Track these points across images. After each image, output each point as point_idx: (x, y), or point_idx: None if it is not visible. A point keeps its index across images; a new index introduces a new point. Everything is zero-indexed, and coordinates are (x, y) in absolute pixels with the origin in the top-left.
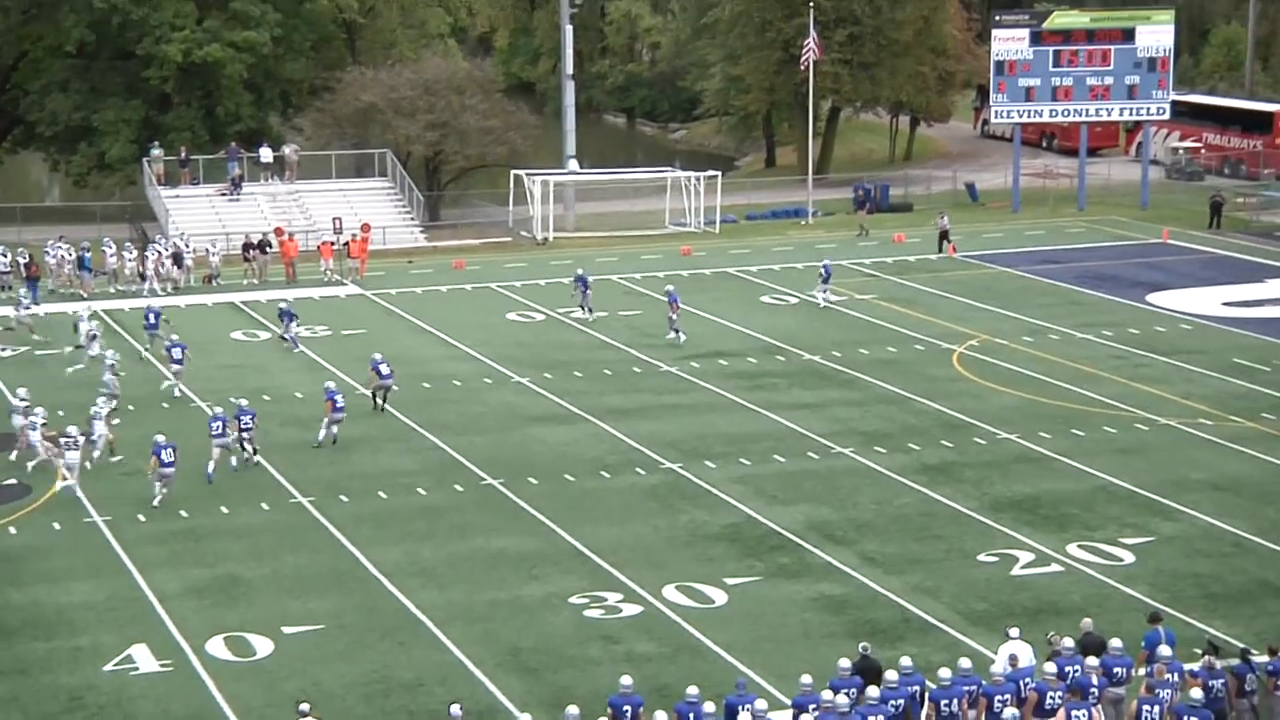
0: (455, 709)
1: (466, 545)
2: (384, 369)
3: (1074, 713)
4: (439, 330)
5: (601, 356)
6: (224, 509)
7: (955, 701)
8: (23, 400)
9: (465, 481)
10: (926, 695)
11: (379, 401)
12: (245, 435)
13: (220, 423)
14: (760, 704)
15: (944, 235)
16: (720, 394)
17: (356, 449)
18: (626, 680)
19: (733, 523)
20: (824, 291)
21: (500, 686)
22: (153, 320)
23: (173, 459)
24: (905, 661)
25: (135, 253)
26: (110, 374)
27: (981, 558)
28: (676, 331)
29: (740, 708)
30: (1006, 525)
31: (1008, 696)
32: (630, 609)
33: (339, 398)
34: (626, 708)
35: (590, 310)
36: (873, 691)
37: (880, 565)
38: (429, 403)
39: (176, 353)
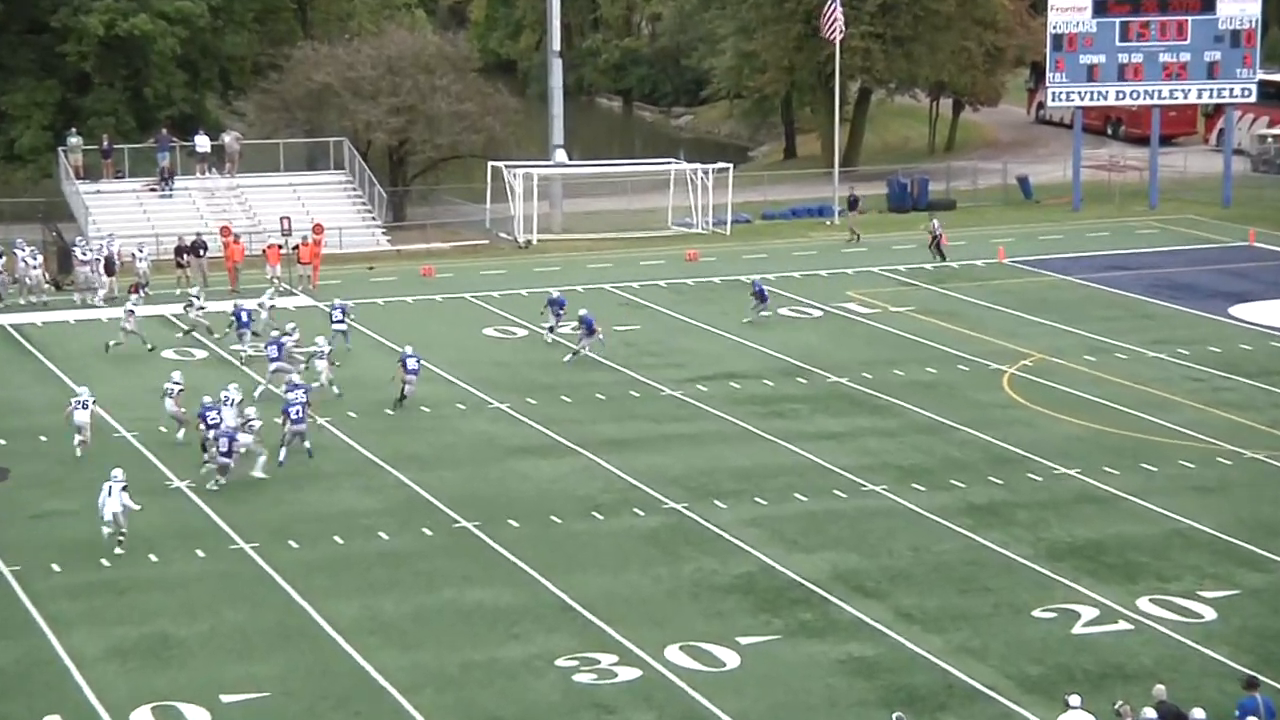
0: None
1: (436, 598)
2: (410, 363)
3: None
4: (399, 344)
5: (593, 379)
6: (152, 556)
7: None
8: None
9: (435, 524)
10: None
11: (401, 397)
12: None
13: (299, 406)
14: None
15: (935, 241)
16: (732, 422)
17: (308, 486)
18: None
19: (746, 572)
20: (759, 313)
21: None
22: (245, 319)
23: (215, 417)
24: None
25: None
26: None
27: (1037, 614)
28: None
29: None
30: (1066, 575)
31: None
32: (627, 673)
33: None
34: None
35: (553, 332)
36: None
37: (918, 622)
38: (393, 431)
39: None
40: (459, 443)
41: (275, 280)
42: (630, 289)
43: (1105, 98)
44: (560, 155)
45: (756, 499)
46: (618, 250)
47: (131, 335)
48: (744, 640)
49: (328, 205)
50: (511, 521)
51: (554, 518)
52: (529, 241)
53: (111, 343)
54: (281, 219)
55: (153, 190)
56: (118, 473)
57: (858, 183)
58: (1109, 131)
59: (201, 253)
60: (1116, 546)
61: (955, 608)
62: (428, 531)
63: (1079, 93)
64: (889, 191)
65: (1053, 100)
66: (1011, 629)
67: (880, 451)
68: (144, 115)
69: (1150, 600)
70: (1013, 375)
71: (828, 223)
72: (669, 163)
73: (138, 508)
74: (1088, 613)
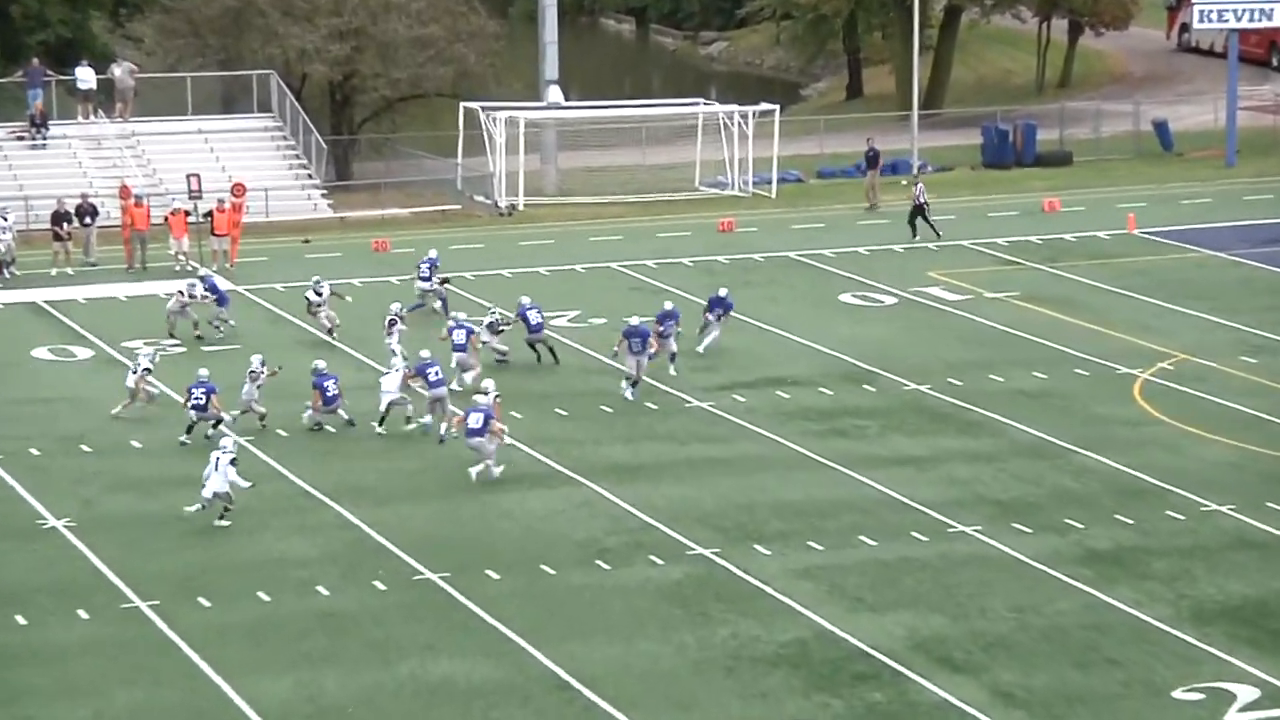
0: None
1: (390, 674)
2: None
3: None
4: (350, 345)
5: (597, 386)
6: (20, 618)
7: None
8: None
9: (391, 576)
10: None
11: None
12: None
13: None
14: None
15: (918, 212)
16: (778, 443)
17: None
18: None
19: (797, 639)
20: (711, 336)
21: None
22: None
23: (336, 392)
24: None
25: None
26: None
27: (1179, 695)
28: (673, 359)
29: None
30: (1218, 645)
31: None
32: None
33: (329, 384)
34: None
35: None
36: None
37: (1022, 705)
38: (335, 455)
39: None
40: (422, 470)
41: (180, 257)
42: (645, 269)
43: (1270, 17)
44: (555, 94)
45: (811, 543)
46: (629, 219)
47: None
48: None
49: (250, 159)
50: (490, 573)
51: (546, 567)
52: (513, 207)
53: None
54: (189, 177)
55: (20, 139)
56: (227, 442)
57: (937, 129)
58: (1274, 62)
59: (89, 220)
60: None
61: (1071, 687)
62: (381, 586)
63: (1234, 11)
64: (984, 142)
65: (1200, 21)
66: (1146, 715)
67: (972, 481)
68: (9, 41)
69: None
70: (1146, 382)
71: (903, 181)
72: (696, 104)
73: (247, 485)
74: (1246, 694)
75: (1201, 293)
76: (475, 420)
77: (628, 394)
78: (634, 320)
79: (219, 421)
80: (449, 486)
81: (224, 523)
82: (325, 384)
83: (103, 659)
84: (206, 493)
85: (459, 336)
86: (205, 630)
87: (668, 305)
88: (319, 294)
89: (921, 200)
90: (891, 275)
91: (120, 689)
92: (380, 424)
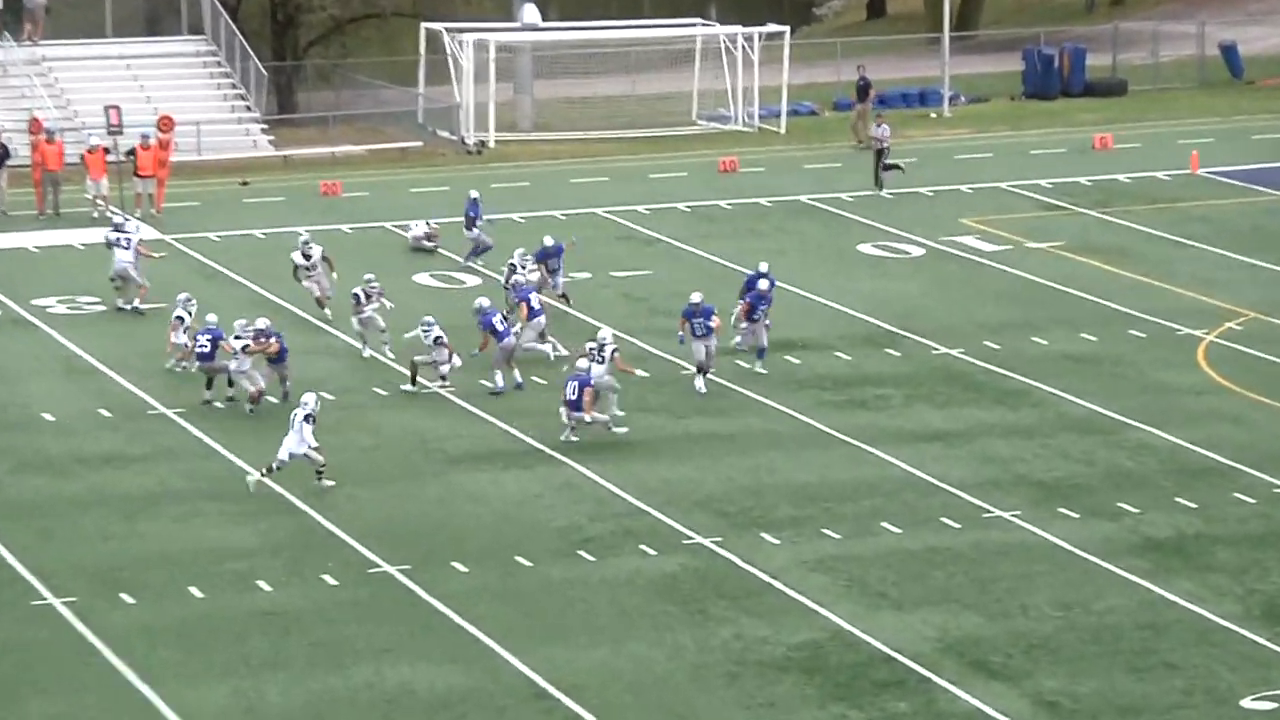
0: None
1: (343, 680)
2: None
3: None
4: (295, 304)
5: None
6: None
7: None
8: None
9: (343, 569)
10: None
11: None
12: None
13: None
14: None
15: (881, 156)
16: (789, 415)
17: (149, 510)
18: None
19: (810, 640)
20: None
21: None
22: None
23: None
24: None
25: None
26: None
27: (1248, 703)
28: (761, 354)
29: None
30: None
31: None
32: None
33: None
34: None
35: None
36: None
37: (1069, 715)
38: (279, 430)
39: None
40: (378, 446)
41: (99, 201)
42: (635, 216)
43: None
44: (530, 13)
45: (826, 530)
46: (616, 158)
47: None
48: None
49: (179, 89)
50: (457, 565)
51: (521, 559)
52: (482, 144)
53: None
54: (108, 109)
55: None
56: (309, 398)
57: (972, 54)
58: None
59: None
60: None
61: (1125, 694)
62: (331, 581)
63: None
64: (1026, 69)
65: None
66: None
67: (1012, 460)
68: None
69: None
70: (1212, 344)
71: (933, 115)
72: (694, 25)
73: (315, 445)
74: None
75: (1273, 242)
76: (572, 390)
77: (699, 387)
78: (696, 297)
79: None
80: (409, 466)
81: (327, 482)
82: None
83: (12, 664)
84: (282, 454)
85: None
86: (129, 631)
87: (763, 284)
88: (308, 256)
89: (884, 144)
90: (919, 223)
91: (34, 698)
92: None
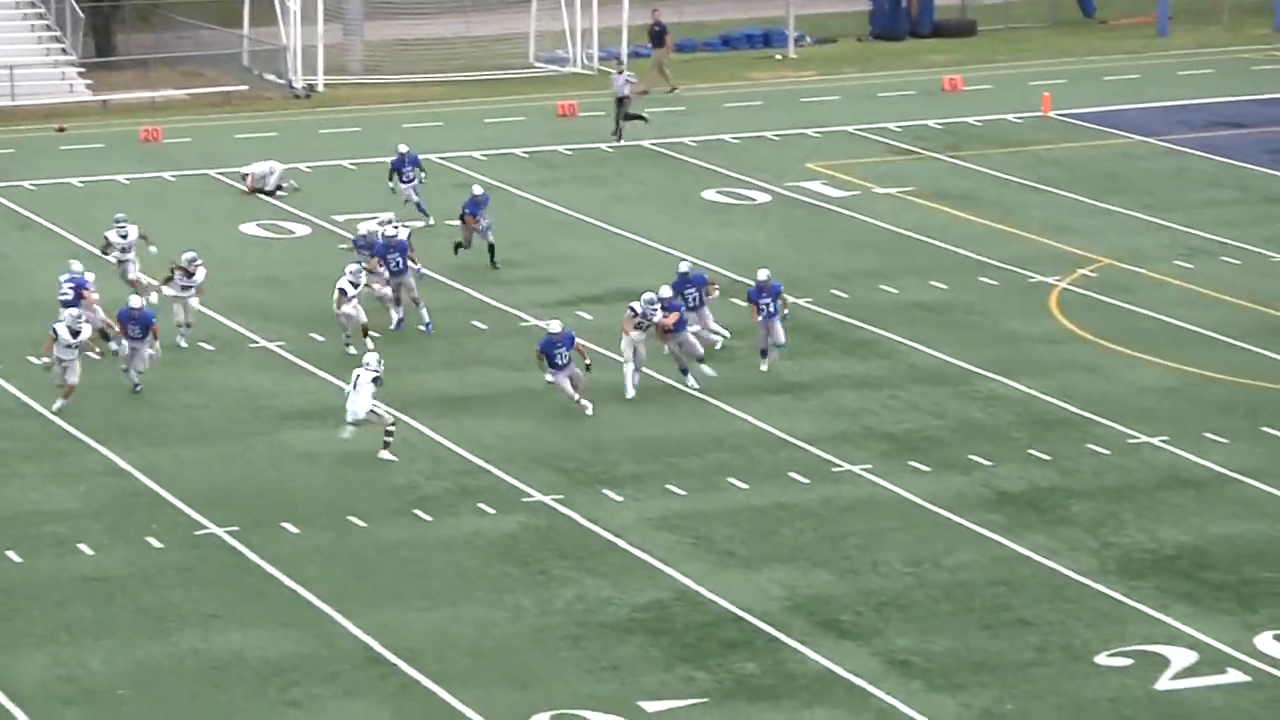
0: None
1: (169, 648)
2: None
3: None
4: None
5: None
6: None
7: None
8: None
9: (168, 531)
10: None
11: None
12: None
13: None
14: None
15: (621, 106)
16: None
17: None
18: None
19: (656, 600)
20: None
21: None
22: None
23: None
24: None
25: None
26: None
27: (1103, 660)
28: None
29: None
30: (1148, 602)
31: None
32: None
33: None
34: None
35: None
36: None
37: (921, 674)
38: (101, 387)
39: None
40: (204, 404)
41: None
42: (471, 162)
43: None
44: None
45: (670, 487)
46: (451, 101)
47: None
48: (652, 707)
49: None
50: (288, 526)
51: (354, 519)
52: (311, 88)
53: None
54: None
55: None
56: (371, 358)
57: None
58: None
59: None
60: (1226, 556)
61: (978, 652)
62: (156, 544)
63: None
64: (873, 8)
65: None
66: (1064, 684)
67: (861, 412)
68: None
69: (1276, 638)
70: (1065, 292)
71: (778, 56)
72: None
73: (380, 409)
74: (1181, 658)
75: (1128, 186)
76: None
77: (763, 368)
78: (683, 267)
79: (106, 337)
80: (236, 425)
81: (388, 455)
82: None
83: None
84: (353, 412)
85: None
86: None
87: (762, 273)
88: (124, 235)
89: (625, 92)
90: (764, 168)
91: None
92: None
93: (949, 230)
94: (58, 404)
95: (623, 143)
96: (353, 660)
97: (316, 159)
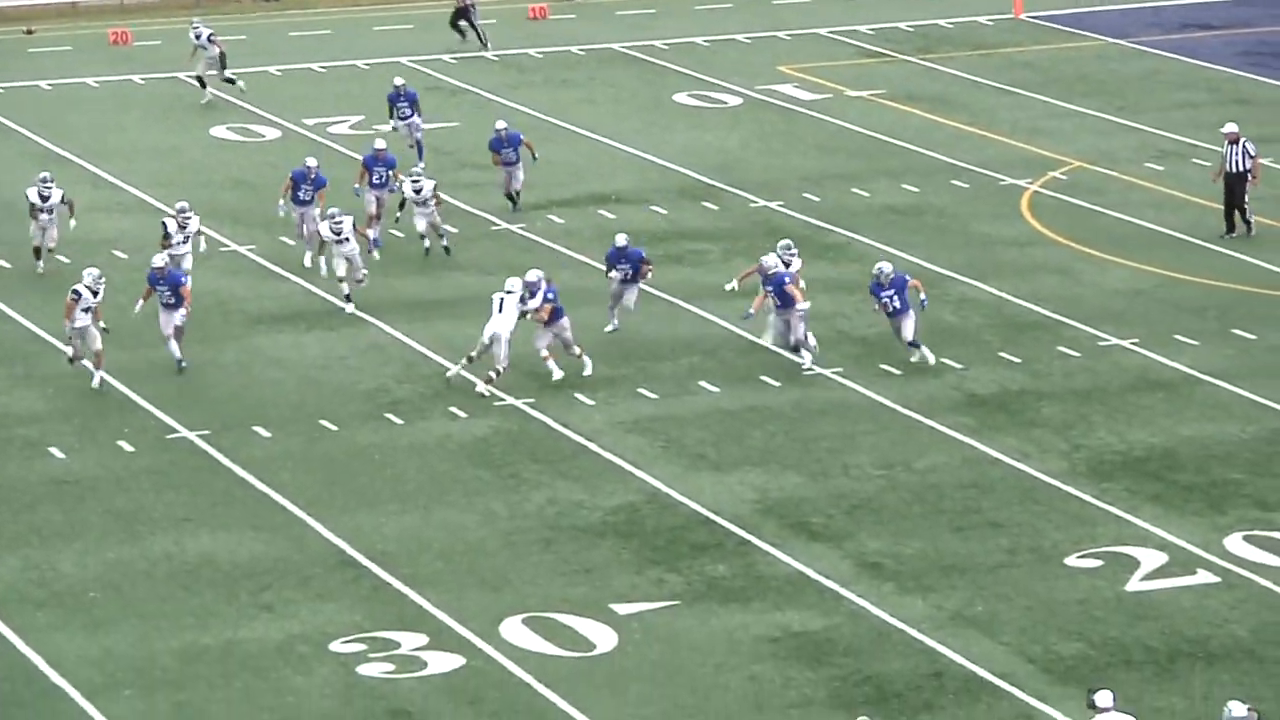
0: None
1: (140, 551)
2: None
3: None
4: (83, 158)
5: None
6: None
7: None
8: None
9: (139, 434)
10: None
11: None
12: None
13: None
14: None
15: (461, 15)
16: (602, 271)
17: None
18: None
19: (627, 504)
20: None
21: None
22: None
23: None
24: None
25: None
26: None
27: (1073, 561)
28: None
29: None
30: (1117, 503)
31: None
32: (442, 661)
33: None
34: None
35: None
36: None
37: (892, 576)
38: (60, 290)
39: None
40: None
41: None
42: (441, 66)
43: None
44: None
45: (642, 390)
46: (421, 4)
47: None
48: (623, 609)
49: None
50: (259, 430)
51: (326, 423)
52: None
53: None
54: None
55: None
56: (514, 282)
57: None
58: None
59: None
60: (1195, 458)
61: (949, 554)
62: (127, 447)
63: None
64: None
65: None
66: (1033, 586)
67: (832, 316)
68: None
69: (1245, 539)
70: (1036, 194)
71: None
72: None
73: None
74: (1151, 559)
75: (1099, 89)
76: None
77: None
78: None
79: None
80: (207, 329)
81: (485, 390)
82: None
83: None
84: (494, 334)
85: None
86: None
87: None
88: (45, 197)
89: (469, 3)
90: (735, 71)
91: None
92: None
93: (920, 133)
94: (97, 379)
95: (489, 53)
96: (325, 563)
97: (286, 62)
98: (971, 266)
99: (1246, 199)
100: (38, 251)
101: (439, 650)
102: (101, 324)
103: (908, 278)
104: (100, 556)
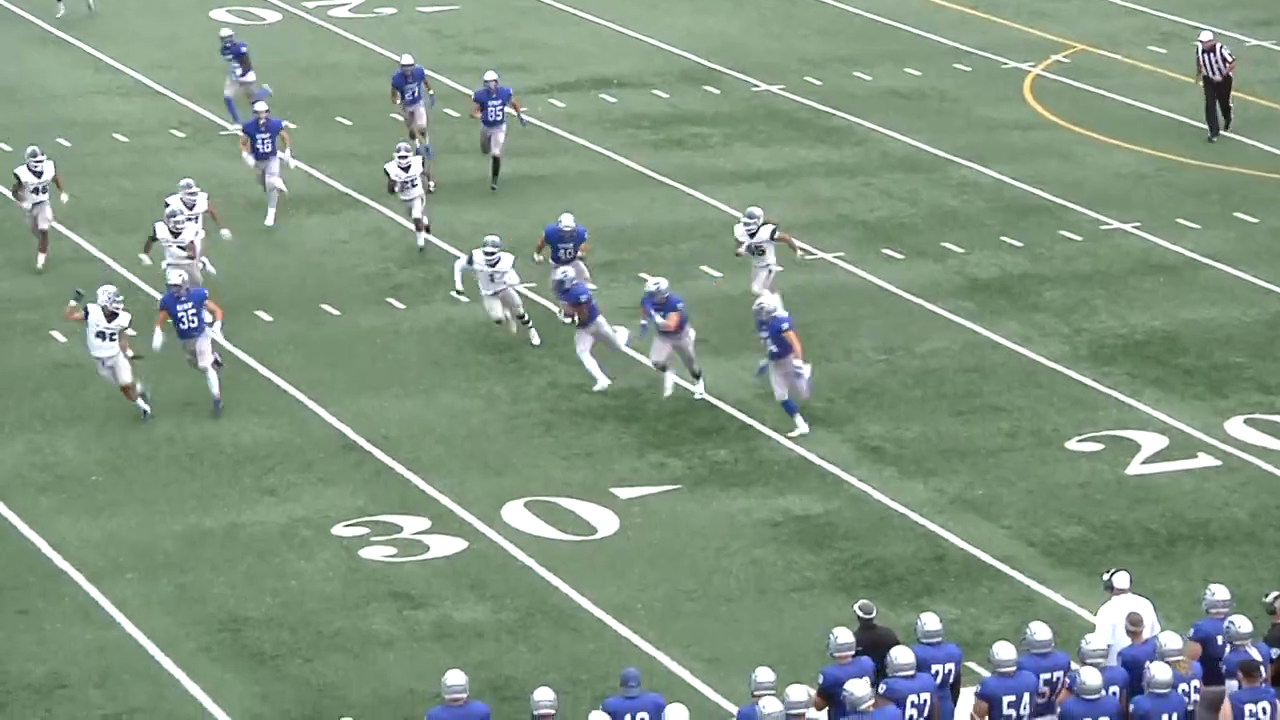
0: None
1: (143, 435)
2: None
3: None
4: (86, 41)
5: (384, 89)
6: None
7: (1025, 699)
8: None
9: (140, 319)
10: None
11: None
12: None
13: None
14: (677, 713)
15: None
16: (604, 155)
17: None
18: (455, 678)
19: (628, 389)
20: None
21: (206, 686)
22: None
23: None
24: (932, 623)
25: None
26: None
27: (1074, 445)
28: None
29: (625, 716)
30: (1119, 387)
31: (1118, 690)
32: (443, 545)
33: None
34: None
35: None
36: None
37: (893, 460)
38: (73, 174)
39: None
40: (174, 191)
41: None
42: None
43: None
44: None
45: (643, 275)
46: None
47: None
48: (624, 493)
49: None
50: (261, 314)
51: (328, 308)
52: None
53: None
54: None
55: None
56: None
57: None
58: None
59: None
60: (1197, 341)
61: (950, 438)
62: (129, 331)
63: None
64: None
65: None
66: (1034, 469)
67: (834, 200)
68: None
69: (1245, 422)
70: (1039, 78)
71: None
72: None
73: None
74: (1151, 443)
75: None
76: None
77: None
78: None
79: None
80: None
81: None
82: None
83: None
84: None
85: None
86: None
87: (767, 302)
88: (37, 174)
89: None
90: None
91: None
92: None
93: (923, 16)
94: (145, 409)
95: None
96: (327, 448)
97: None
98: (973, 150)
99: (1230, 101)
100: (43, 237)
101: (441, 534)
102: (130, 353)
103: (784, 325)
104: (103, 440)
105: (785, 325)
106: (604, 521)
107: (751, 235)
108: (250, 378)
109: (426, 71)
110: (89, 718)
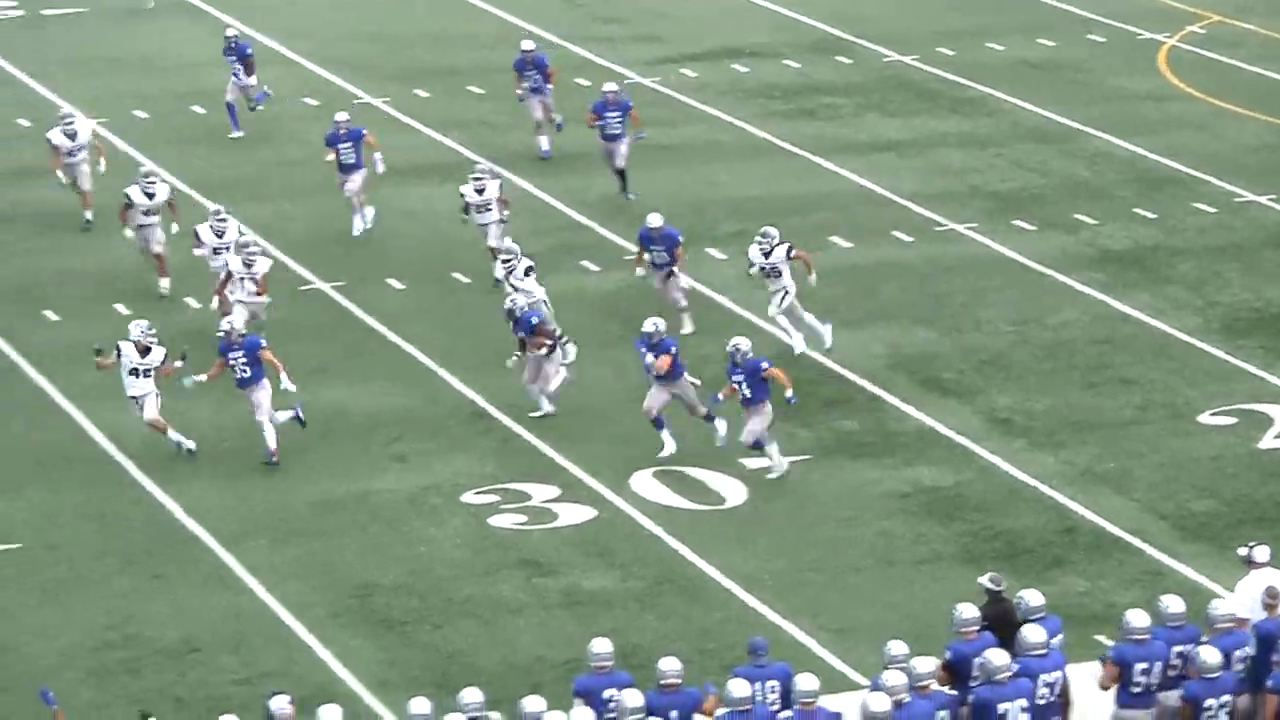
0: (280, 705)
1: (276, 400)
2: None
3: None
4: (220, 9)
5: (508, 59)
6: None
7: (1156, 668)
8: None
9: (273, 285)
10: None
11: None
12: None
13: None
14: (806, 681)
15: None
16: (735, 125)
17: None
18: (602, 646)
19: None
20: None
21: (336, 652)
22: None
23: None
24: (1035, 599)
25: None
26: None
27: (1206, 419)
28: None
29: (755, 684)
30: (1253, 360)
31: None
32: (572, 514)
33: None
34: (611, 695)
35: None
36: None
37: (1023, 432)
38: (197, 143)
39: None
40: (307, 160)
41: None
42: None
43: None
44: None
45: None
46: None
47: None
48: (753, 463)
49: None
50: (393, 282)
51: (459, 275)
52: None
53: None
54: None
55: None
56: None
57: None
58: None
59: None
60: None
61: (1080, 410)
62: (177, 363)
63: None
64: None
65: None
66: (1166, 442)
67: (966, 171)
68: None
69: None
70: (1174, 49)
71: None
72: None
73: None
74: None
75: None
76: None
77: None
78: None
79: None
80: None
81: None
82: None
83: None
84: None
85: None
86: (53, 347)
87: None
88: (150, 195)
89: None
90: None
91: None
92: None
93: None
94: (183, 444)
95: None
96: (457, 415)
97: None
98: (1107, 121)
99: None
100: (160, 260)
101: (570, 502)
102: (179, 364)
103: (763, 365)
104: (235, 408)
105: (766, 365)
106: (732, 491)
107: (766, 255)
108: (380, 346)
109: (626, 97)
110: (221, 682)
